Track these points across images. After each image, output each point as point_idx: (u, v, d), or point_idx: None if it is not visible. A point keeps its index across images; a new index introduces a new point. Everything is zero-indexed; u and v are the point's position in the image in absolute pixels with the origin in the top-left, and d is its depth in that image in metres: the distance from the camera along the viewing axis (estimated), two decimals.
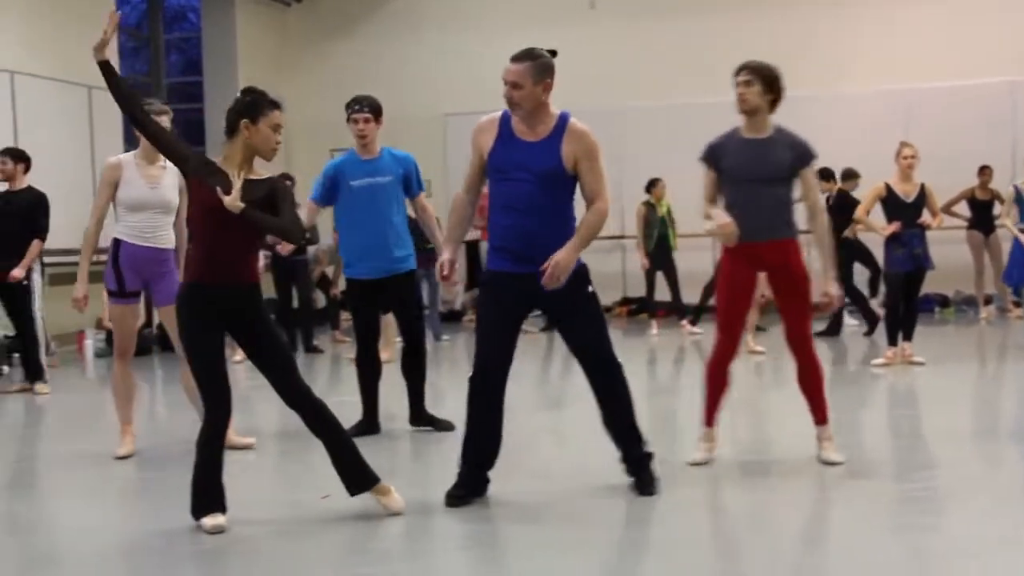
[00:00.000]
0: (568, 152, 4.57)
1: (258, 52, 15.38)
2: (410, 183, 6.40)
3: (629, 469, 4.85)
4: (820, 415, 5.45)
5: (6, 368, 10.08)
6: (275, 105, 4.44)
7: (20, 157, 8.99)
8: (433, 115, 14.91)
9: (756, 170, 5.27)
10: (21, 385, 9.04)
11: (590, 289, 4.73)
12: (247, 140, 4.37)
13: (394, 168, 6.34)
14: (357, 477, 4.56)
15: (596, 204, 4.61)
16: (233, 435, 6.20)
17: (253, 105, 4.38)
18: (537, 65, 4.55)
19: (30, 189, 8.92)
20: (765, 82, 5.26)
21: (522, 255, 4.56)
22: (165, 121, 5.94)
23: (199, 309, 4.41)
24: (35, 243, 8.79)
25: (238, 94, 4.52)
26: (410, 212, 6.60)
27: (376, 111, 6.37)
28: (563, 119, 4.64)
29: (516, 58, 4.58)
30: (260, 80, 16.48)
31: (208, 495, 4.44)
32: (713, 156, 5.38)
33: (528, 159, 4.57)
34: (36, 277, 8.94)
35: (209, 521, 4.40)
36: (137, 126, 4.68)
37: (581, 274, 4.67)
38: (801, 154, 5.32)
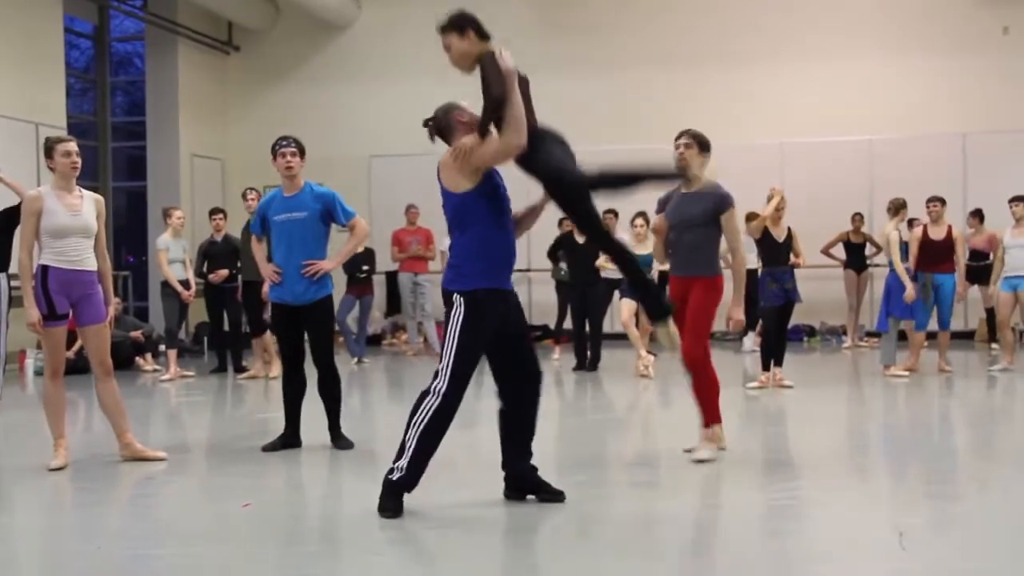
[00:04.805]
0: None
1: (198, 96, 15.13)
2: (334, 215, 6.27)
3: (521, 482, 4.83)
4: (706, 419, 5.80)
5: None
6: None
7: None
8: (359, 156, 14.81)
9: (684, 217, 5.75)
10: None
11: None
12: None
13: (311, 205, 6.21)
14: None
15: None
16: (146, 449, 6.03)
17: None
18: None
19: None
20: (700, 145, 5.79)
21: None
22: (72, 146, 5.81)
23: None
24: None
25: None
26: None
27: (301, 148, 6.29)
28: None
29: None
30: (199, 122, 16.21)
31: None
32: (661, 205, 6.00)
33: None
34: None
35: None
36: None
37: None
38: (718, 204, 5.72)
